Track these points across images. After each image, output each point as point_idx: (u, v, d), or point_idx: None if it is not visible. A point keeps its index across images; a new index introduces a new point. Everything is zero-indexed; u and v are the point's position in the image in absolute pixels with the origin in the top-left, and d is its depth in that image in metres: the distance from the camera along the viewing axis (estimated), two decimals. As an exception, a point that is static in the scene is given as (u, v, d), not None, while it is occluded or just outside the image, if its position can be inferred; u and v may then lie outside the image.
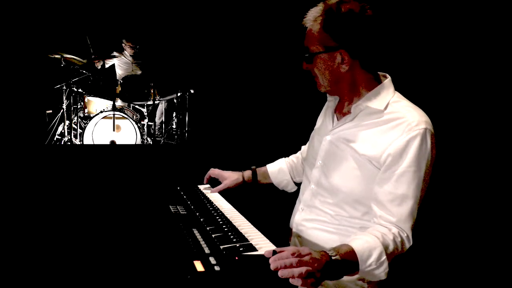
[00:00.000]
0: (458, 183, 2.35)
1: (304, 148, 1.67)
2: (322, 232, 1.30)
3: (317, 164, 1.34)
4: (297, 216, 1.40)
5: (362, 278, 1.22)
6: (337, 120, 1.32)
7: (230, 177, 1.63)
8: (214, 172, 1.68)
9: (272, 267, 0.88)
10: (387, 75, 1.27)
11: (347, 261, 0.98)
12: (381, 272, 1.04)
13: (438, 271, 2.20)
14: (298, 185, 1.68)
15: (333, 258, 0.94)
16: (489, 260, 2.17)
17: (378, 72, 1.26)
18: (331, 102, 1.37)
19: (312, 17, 1.18)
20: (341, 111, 1.32)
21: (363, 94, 1.22)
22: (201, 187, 1.70)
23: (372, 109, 1.19)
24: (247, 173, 1.65)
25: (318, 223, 1.31)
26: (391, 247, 1.06)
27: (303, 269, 0.87)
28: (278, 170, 1.66)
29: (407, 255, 1.15)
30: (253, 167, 1.67)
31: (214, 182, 1.75)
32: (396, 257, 1.12)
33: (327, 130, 1.33)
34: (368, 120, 1.20)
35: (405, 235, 1.11)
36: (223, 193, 1.65)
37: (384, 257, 1.03)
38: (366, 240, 1.04)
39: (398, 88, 1.26)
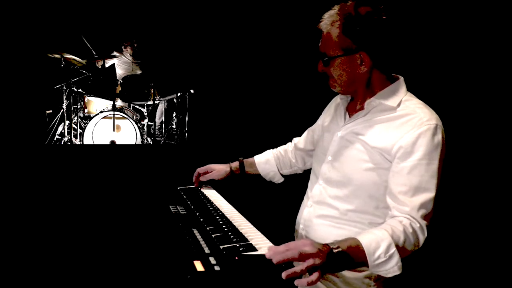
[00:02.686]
0: (467, 183, 2.35)
1: (298, 139, 1.68)
2: (331, 228, 1.30)
3: (326, 160, 1.34)
4: (305, 212, 1.40)
5: (369, 275, 1.22)
6: (349, 117, 1.34)
7: (218, 169, 1.67)
8: (201, 168, 1.69)
9: (271, 258, 0.89)
10: (400, 76, 1.30)
11: (352, 253, 0.97)
12: (394, 266, 1.01)
13: (447, 271, 2.19)
14: (285, 177, 1.71)
15: (334, 250, 0.94)
16: (499, 260, 2.17)
17: (392, 74, 1.29)
18: (343, 100, 1.39)
19: (329, 21, 1.19)
20: (353, 109, 1.34)
21: (376, 93, 1.25)
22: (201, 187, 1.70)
23: (385, 105, 1.22)
24: (235, 164, 1.69)
25: (327, 219, 1.31)
26: (401, 239, 1.04)
27: (295, 252, 0.88)
28: (265, 161, 1.69)
29: (415, 254, 1.13)
30: (241, 158, 1.71)
31: (212, 183, 1.74)
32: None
33: (339, 126, 1.35)
34: (381, 116, 1.23)
35: (418, 225, 1.09)
36: (223, 193, 1.65)
37: (394, 249, 1.01)
38: (374, 233, 1.03)
39: (408, 89, 1.28)
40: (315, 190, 1.38)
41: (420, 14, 2.48)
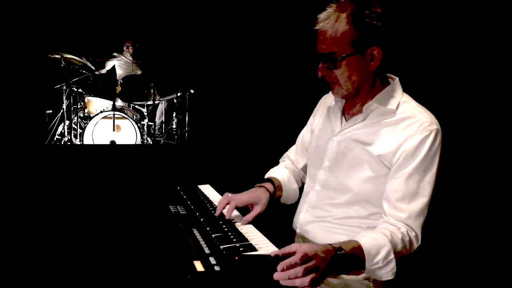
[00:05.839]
0: (462, 184, 2.35)
1: (293, 156, 1.57)
2: (328, 233, 1.29)
3: (323, 165, 1.31)
4: (301, 217, 1.38)
5: (368, 277, 1.22)
6: (346, 121, 1.30)
7: (262, 201, 1.31)
8: (237, 201, 1.29)
9: (275, 277, 0.88)
10: (393, 76, 1.27)
11: (353, 256, 0.98)
12: (388, 272, 1.03)
13: (444, 272, 2.19)
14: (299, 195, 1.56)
15: (338, 253, 0.94)
16: (495, 261, 2.17)
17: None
18: (338, 102, 1.33)
19: (333, 19, 1.12)
20: (349, 112, 1.30)
21: (375, 94, 1.22)
22: (201, 187, 1.70)
23: (384, 109, 1.19)
24: (269, 186, 1.38)
25: (324, 224, 1.30)
26: (399, 246, 1.06)
27: (306, 279, 0.86)
28: (288, 180, 1.48)
29: (414, 255, 1.14)
30: (271, 181, 1.43)
31: (212, 183, 1.74)
32: (403, 257, 1.11)
33: (335, 131, 1.31)
34: (381, 120, 1.20)
35: (414, 234, 1.12)
36: (223, 193, 1.65)
37: (392, 256, 1.03)
38: (375, 238, 1.03)
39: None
40: (312, 195, 1.35)
41: (409, 12, 2.48)
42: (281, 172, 1.51)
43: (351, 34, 1.11)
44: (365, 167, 1.20)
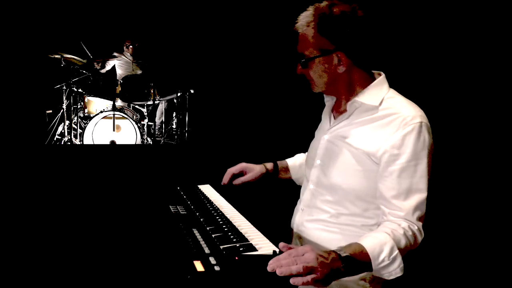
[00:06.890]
0: (454, 180, 2.35)
1: None
2: (323, 232, 1.29)
3: (315, 164, 1.34)
4: (297, 217, 1.40)
5: (364, 277, 1.22)
6: (334, 119, 1.34)
7: (254, 170, 1.54)
8: (235, 168, 1.55)
9: (268, 268, 0.88)
10: (381, 73, 1.28)
11: (357, 258, 0.97)
12: (396, 268, 1.03)
13: (443, 271, 2.20)
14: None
15: (342, 255, 0.94)
16: (494, 259, 2.17)
17: (373, 71, 1.28)
18: (328, 102, 1.39)
19: (305, 22, 1.18)
20: (338, 110, 1.33)
21: (358, 92, 1.24)
22: (201, 187, 1.70)
23: (367, 105, 1.20)
24: (269, 165, 1.59)
25: (319, 223, 1.31)
26: (403, 242, 1.06)
27: (300, 266, 0.87)
28: (299, 165, 1.61)
29: (413, 255, 1.14)
30: (275, 161, 1.63)
31: (212, 183, 1.74)
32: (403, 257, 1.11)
33: (325, 129, 1.35)
34: (364, 116, 1.21)
35: (416, 228, 1.11)
36: (223, 193, 1.65)
37: (396, 251, 1.02)
38: (376, 237, 1.03)
39: (392, 85, 1.27)
40: (306, 194, 1.37)
41: (401, 10, 2.48)
42: (296, 158, 1.65)
43: (317, 39, 1.18)
44: (352, 163, 1.21)
